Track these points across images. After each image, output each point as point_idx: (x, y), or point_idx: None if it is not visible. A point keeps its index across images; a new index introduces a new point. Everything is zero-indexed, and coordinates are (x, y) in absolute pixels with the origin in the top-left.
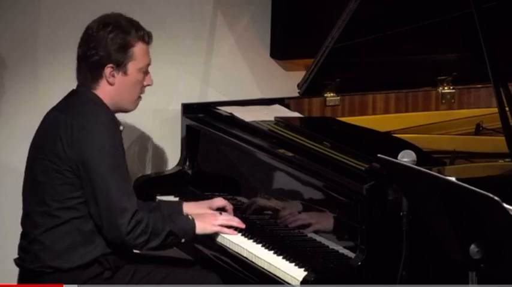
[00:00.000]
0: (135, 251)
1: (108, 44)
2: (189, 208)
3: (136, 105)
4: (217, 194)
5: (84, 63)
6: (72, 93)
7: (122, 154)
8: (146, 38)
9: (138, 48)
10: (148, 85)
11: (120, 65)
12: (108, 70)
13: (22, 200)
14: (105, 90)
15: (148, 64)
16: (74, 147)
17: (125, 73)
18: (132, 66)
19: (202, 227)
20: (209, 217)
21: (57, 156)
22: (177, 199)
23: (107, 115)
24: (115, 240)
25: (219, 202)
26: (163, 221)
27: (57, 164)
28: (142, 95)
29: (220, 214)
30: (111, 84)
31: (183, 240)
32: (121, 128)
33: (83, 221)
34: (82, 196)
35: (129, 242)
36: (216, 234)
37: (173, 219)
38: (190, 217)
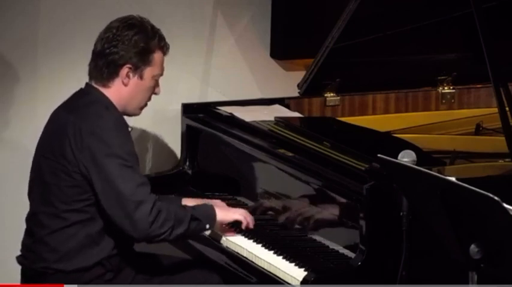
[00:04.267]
0: (138, 251)
1: (131, 45)
2: (187, 203)
3: (140, 112)
4: (217, 194)
5: (102, 60)
6: (81, 92)
7: (133, 153)
8: (165, 48)
9: (157, 56)
10: (155, 94)
11: (138, 68)
12: (125, 70)
13: (28, 198)
14: (118, 91)
15: (161, 74)
16: (83, 151)
17: (141, 77)
18: (148, 72)
19: (223, 213)
20: (228, 207)
21: (65, 158)
22: (189, 199)
23: (116, 117)
24: (140, 235)
25: (219, 203)
26: (184, 208)
27: (66, 166)
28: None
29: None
30: (125, 85)
31: (207, 226)
32: (129, 129)
33: (90, 224)
34: (90, 198)
35: (155, 232)
36: (217, 234)
37: (192, 206)
38: (209, 203)
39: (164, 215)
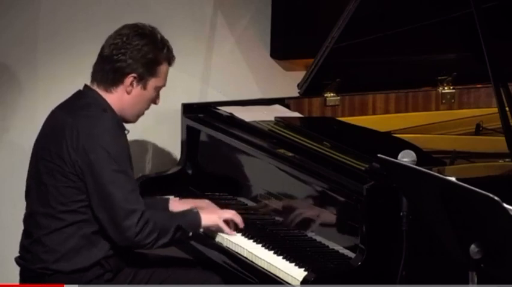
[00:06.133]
0: (137, 251)
1: (140, 55)
2: (173, 205)
3: (137, 119)
4: (217, 194)
5: (109, 65)
6: (79, 94)
7: (127, 157)
8: (172, 61)
9: (163, 68)
10: (155, 104)
11: (143, 79)
12: (130, 79)
13: (25, 199)
14: (119, 98)
15: (164, 85)
16: (79, 152)
17: (145, 87)
18: (152, 83)
19: (207, 219)
20: (214, 210)
21: (62, 159)
22: (177, 199)
23: (113, 119)
24: (124, 242)
25: (204, 204)
26: (170, 217)
27: (62, 167)
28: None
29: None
30: (127, 93)
31: (190, 233)
32: (126, 132)
33: (87, 225)
34: (86, 199)
35: (139, 242)
36: (216, 234)
37: (179, 214)
38: (194, 210)
39: (151, 226)
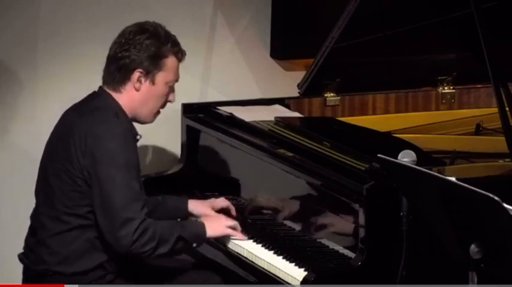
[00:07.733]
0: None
1: (142, 49)
2: (193, 205)
3: (154, 119)
4: (217, 194)
5: (114, 64)
6: (92, 96)
7: (133, 166)
8: (180, 54)
9: (170, 61)
10: (170, 101)
11: (149, 73)
12: (136, 75)
13: (35, 195)
14: (129, 96)
15: (176, 80)
16: (86, 155)
17: (153, 82)
18: (160, 77)
19: (212, 229)
20: (219, 220)
21: (69, 162)
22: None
23: (125, 125)
24: (121, 250)
25: (222, 202)
26: (172, 227)
27: (70, 170)
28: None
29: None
30: (136, 90)
31: (194, 245)
32: (138, 137)
33: (92, 229)
34: (91, 204)
35: (136, 250)
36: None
37: (182, 224)
38: (198, 220)
39: (149, 235)
